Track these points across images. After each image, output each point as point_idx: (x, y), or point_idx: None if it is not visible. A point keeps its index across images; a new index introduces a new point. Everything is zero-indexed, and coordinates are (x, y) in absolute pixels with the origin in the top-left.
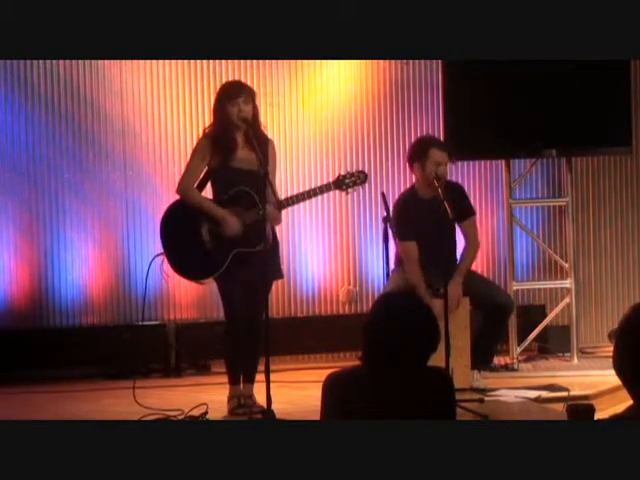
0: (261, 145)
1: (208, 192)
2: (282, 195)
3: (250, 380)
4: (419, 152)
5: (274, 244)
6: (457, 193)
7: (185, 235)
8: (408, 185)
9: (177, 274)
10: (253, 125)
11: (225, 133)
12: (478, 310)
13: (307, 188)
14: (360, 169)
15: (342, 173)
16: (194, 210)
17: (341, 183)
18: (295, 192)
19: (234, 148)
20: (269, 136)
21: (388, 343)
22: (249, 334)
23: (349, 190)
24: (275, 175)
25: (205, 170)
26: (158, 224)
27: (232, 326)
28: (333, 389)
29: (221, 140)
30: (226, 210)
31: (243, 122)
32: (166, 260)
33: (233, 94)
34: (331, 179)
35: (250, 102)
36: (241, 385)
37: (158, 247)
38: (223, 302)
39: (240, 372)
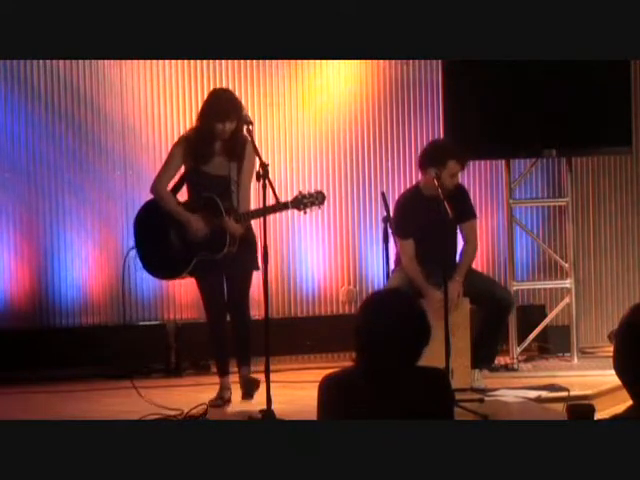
0: (238, 147)
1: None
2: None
3: (246, 362)
4: (436, 159)
5: (249, 239)
6: (459, 195)
7: (155, 234)
8: (408, 185)
9: (145, 271)
10: (232, 134)
11: (203, 142)
12: (478, 307)
13: (273, 202)
14: (319, 189)
15: (301, 192)
16: (165, 210)
17: (299, 202)
18: (272, 202)
19: (209, 155)
20: (269, 135)
21: (375, 342)
22: (235, 319)
23: (307, 210)
24: (251, 177)
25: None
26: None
27: (214, 326)
28: (329, 390)
29: (197, 146)
30: (192, 215)
31: (224, 133)
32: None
33: (221, 116)
34: (298, 195)
35: (235, 120)
36: (229, 377)
37: None
38: (203, 303)
39: (227, 365)
